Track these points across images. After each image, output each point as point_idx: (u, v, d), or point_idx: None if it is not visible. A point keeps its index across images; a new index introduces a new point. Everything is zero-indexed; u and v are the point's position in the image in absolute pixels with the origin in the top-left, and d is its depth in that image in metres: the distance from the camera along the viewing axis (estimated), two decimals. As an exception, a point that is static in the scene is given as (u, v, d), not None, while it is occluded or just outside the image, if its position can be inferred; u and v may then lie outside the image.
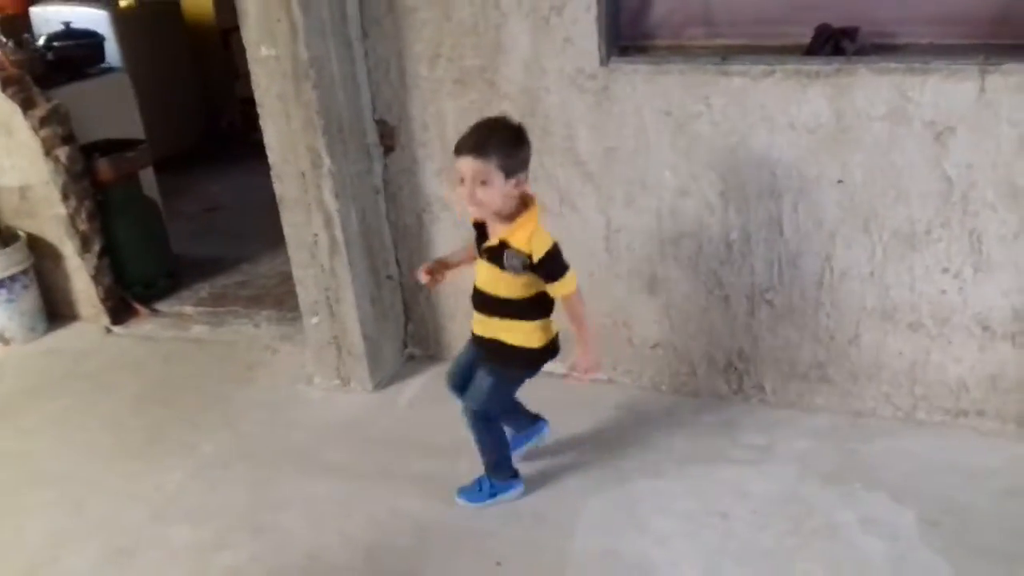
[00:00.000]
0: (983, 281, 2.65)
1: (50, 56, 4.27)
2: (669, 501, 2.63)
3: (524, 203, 2.36)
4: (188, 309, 4.15)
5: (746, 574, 2.36)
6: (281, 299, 4.06)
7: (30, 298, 4.01)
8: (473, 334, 2.58)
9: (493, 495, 2.70)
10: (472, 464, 2.86)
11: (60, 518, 2.84)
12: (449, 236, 3.24)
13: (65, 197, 3.88)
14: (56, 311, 4.14)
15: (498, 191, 2.28)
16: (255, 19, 2.86)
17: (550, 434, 2.85)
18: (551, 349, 2.53)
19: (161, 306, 4.19)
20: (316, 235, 3.13)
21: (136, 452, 3.14)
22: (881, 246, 2.71)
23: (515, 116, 2.91)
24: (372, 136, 3.18)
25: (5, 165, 3.93)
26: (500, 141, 2.28)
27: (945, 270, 2.67)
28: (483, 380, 2.53)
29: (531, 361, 2.52)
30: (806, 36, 2.72)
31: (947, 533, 2.43)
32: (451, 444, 2.97)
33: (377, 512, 2.72)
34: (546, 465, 2.83)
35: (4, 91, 3.77)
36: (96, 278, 4.01)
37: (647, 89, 2.77)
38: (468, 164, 2.27)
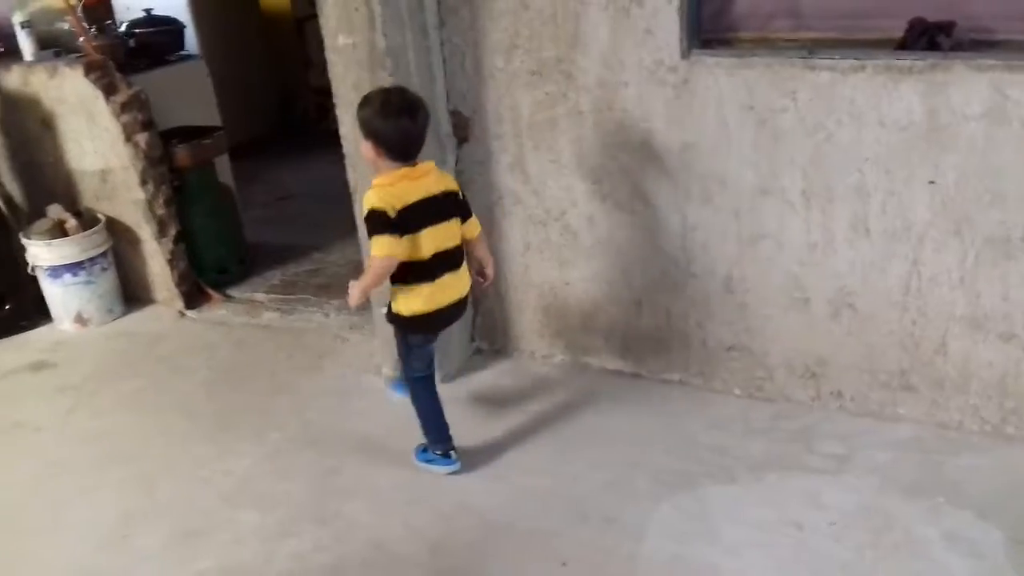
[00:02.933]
0: (1083, 291, 2.52)
1: (132, 43, 4.34)
2: (742, 509, 2.55)
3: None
4: (260, 296, 4.20)
5: (820, 584, 2.29)
6: (350, 288, 4.07)
7: (108, 280, 4.09)
8: None
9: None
10: (542, 460, 2.84)
11: (133, 497, 2.89)
12: (520, 230, 3.21)
13: (143, 182, 3.95)
14: (132, 294, 4.23)
15: (363, 145, 2.53)
16: (334, 7, 2.85)
17: (449, 470, 2.82)
18: (422, 319, 2.61)
19: (233, 292, 4.25)
20: (388, 225, 3.12)
21: (207, 436, 3.18)
22: (973, 251, 2.58)
23: (591, 109, 2.89)
24: (446, 127, 3.16)
25: (87, 149, 4.02)
26: (363, 102, 2.51)
27: (1042, 278, 2.54)
28: None
29: (397, 323, 2.68)
30: (899, 30, 2.61)
31: (1037, 554, 2.31)
32: (517, 440, 2.95)
33: (442, 505, 2.70)
34: (616, 467, 2.78)
35: (87, 76, 3.85)
36: (171, 262, 4.08)
37: (729, 83, 2.69)
38: None
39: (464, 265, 2.67)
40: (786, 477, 2.66)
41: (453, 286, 2.63)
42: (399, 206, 2.46)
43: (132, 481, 2.97)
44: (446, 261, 2.59)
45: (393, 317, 2.66)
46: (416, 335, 2.71)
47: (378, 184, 2.50)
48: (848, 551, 2.37)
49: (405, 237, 2.48)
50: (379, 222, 2.45)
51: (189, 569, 2.56)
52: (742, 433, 2.88)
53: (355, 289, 2.57)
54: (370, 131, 2.48)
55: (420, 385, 2.79)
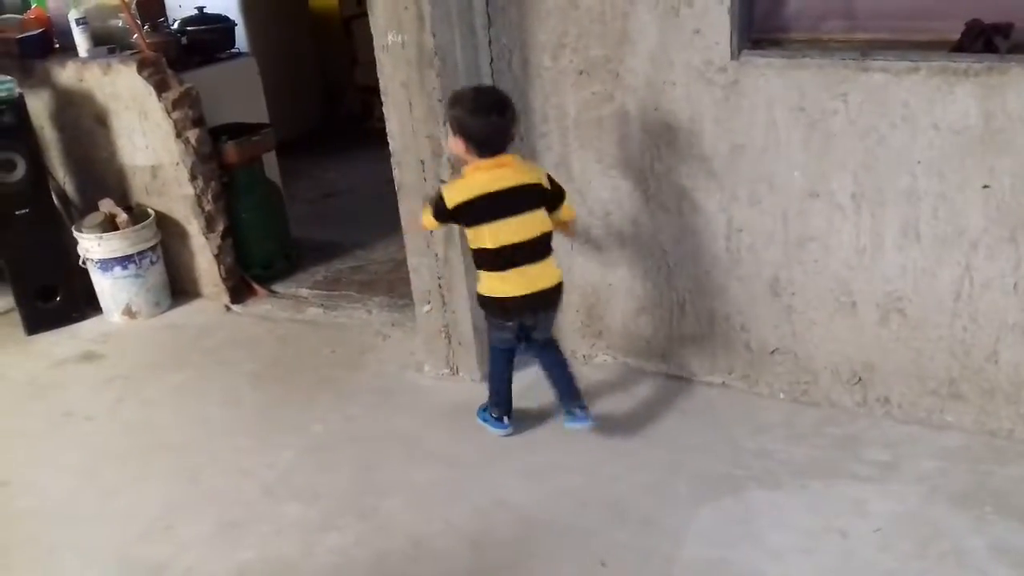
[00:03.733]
0: None
1: (184, 40, 4.40)
2: (785, 514, 2.52)
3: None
4: (304, 291, 4.24)
5: (865, 596, 2.26)
6: (393, 285, 4.10)
7: (156, 274, 4.16)
8: None
9: (482, 419, 3.03)
10: (581, 459, 2.83)
11: (177, 488, 2.93)
12: (565, 229, 3.20)
13: (193, 178, 4.01)
14: (180, 287, 4.30)
15: (449, 140, 2.74)
16: (383, 6, 2.87)
17: (585, 426, 2.90)
18: (496, 302, 2.76)
19: (278, 287, 4.29)
20: (432, 223, 3.14)
21: (250, 428, 3.22)
22: (1028, 258, 2.53)
23: (638, 109, 2.88)
24: (492, 126, 3.16)
25: (139, 144, 4.09)
26: (454, 98, 2.69)
27: (1100, 286, 2.48)
28: None
29: (482, 308, 2.86)
30: (954, 32, 2.56)
31: (1090, 569, 2.25)
32: (556, 439, 2.95)
33: (482, 502, 2.71)
34: (656, 469, 2.76)
35: (140, 73, 3.91)
36: (219, 257, 4.13)
37: (780, 84, 2.67)
38: None
39: (549, 257, 2.75)
40: (831, 483, 2.63)
41: (532, 277, 2.72)
42: (461, 199, 2.65)
43: (176, 471, 3.01)
44: (521, 253, 2.68)
45: (479, 300, 2.85)
46: (493, 318, 2.85)
47: (466, 176, 2.70)
48: (893, 560, 2.33)
49: (470, 228, 2.69)
50: (436, 204, 2.71)
51: (231, 560, 2.59)
52: (786, 438, 2.84)
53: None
54: (461, 128, 2.63)
55: (498, 355, 2.94)
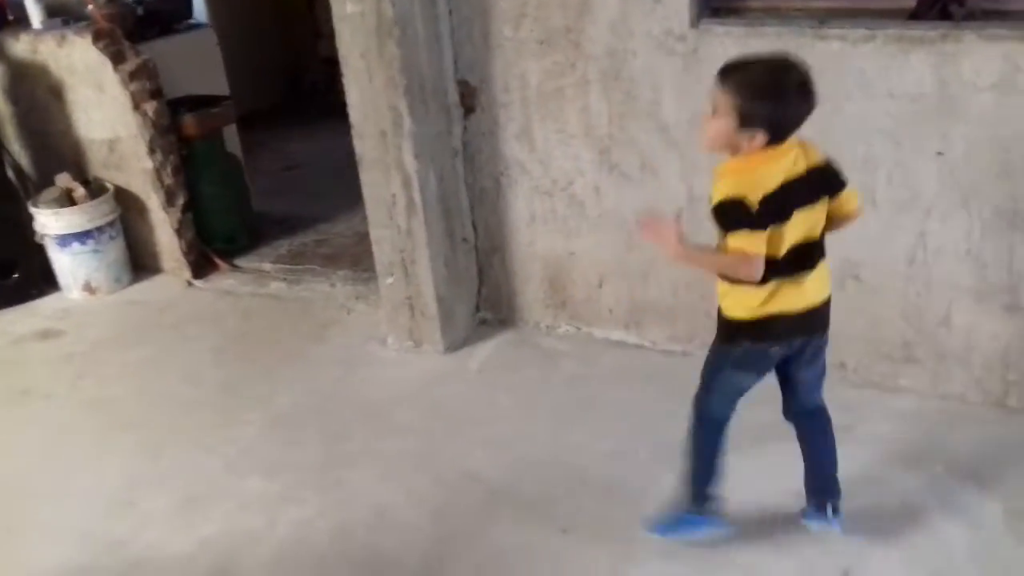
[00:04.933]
0: (1091, 264, 2.50)
1: (140, 11, 4.31)
2: (743, 477, 2.54)
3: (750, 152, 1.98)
4: (267, 266, 4.21)
5: (821, 552, 2.31)
6: (357, 258, 4.08)
7: (116, 249, 4.11)
8: None
9: (680, 529, 2.33)
10: (545, 429, 2.84)
11: (138, 464, 2.92)
12: (526, 200, 3.20)
13: (152, 151, 3.95)
14: (140, 263, 4.25)
15: (720, 128, 1.97)
16: (341, -26, 2.84)
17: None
18: (759, 326, 2.08)
19: (241, 262, 4.26)
20: (394, 195, 3.13)
21: (213, 404, 3.20)
22: (980, 223, 2.57)
23: (599, 79, 2.87)
24: (453, 96, 3.15)
25: (95, 118, 4.02)
26: (746, 78, 1.96)
27: (1049, 251, 2.53)
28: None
29: (732, 334, 2.14)
30: (912, 0, 2.58)
31: (1036, 526, 2.32)
32: (520, 410, 2.97)
33: (445, 473, 2.72)
34: (619, 437, 2.79)
35: (96, 44, 3.84)
36: (179, 232, 4.09)
37: (739, 52, 2.65)
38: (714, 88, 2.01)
39: (825, 261, 2.11)
40: (787, 446, 2.64)
41: (811, 287, 2.08)
42: (760, 196, 1.95)
43: (138, 448, 3.00)
44: (804, 256, 2.05)
45: (727, 329, 2.16)
46: (756, 344, 2.13)
47: (733, 169, 2.00)
48: (848, 519, 2.37)
49: (767, 230, 1.97)
50: (741, 213, 1.95)
51: (194, 535, 2.59)
52: (744, 401, 2.86)
53: (683, 249, 2.09)
54: (760, 117, 1.92)
55: (711, 429, 2.29)
